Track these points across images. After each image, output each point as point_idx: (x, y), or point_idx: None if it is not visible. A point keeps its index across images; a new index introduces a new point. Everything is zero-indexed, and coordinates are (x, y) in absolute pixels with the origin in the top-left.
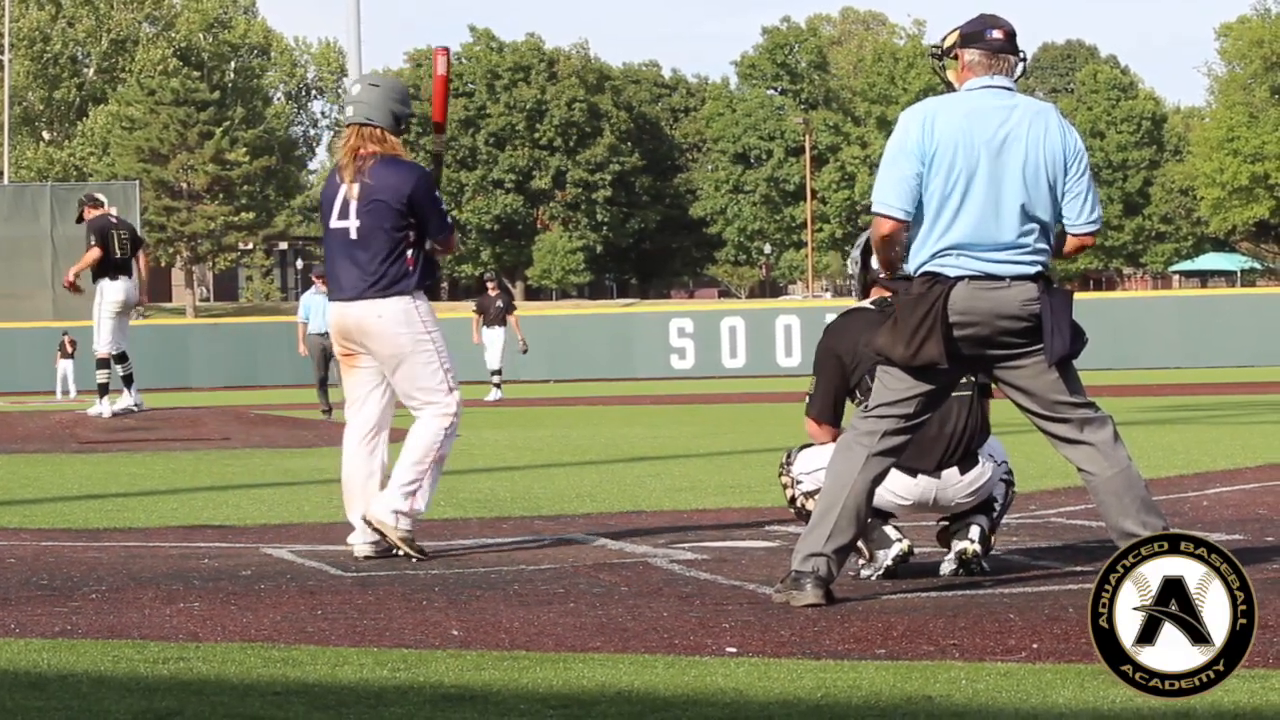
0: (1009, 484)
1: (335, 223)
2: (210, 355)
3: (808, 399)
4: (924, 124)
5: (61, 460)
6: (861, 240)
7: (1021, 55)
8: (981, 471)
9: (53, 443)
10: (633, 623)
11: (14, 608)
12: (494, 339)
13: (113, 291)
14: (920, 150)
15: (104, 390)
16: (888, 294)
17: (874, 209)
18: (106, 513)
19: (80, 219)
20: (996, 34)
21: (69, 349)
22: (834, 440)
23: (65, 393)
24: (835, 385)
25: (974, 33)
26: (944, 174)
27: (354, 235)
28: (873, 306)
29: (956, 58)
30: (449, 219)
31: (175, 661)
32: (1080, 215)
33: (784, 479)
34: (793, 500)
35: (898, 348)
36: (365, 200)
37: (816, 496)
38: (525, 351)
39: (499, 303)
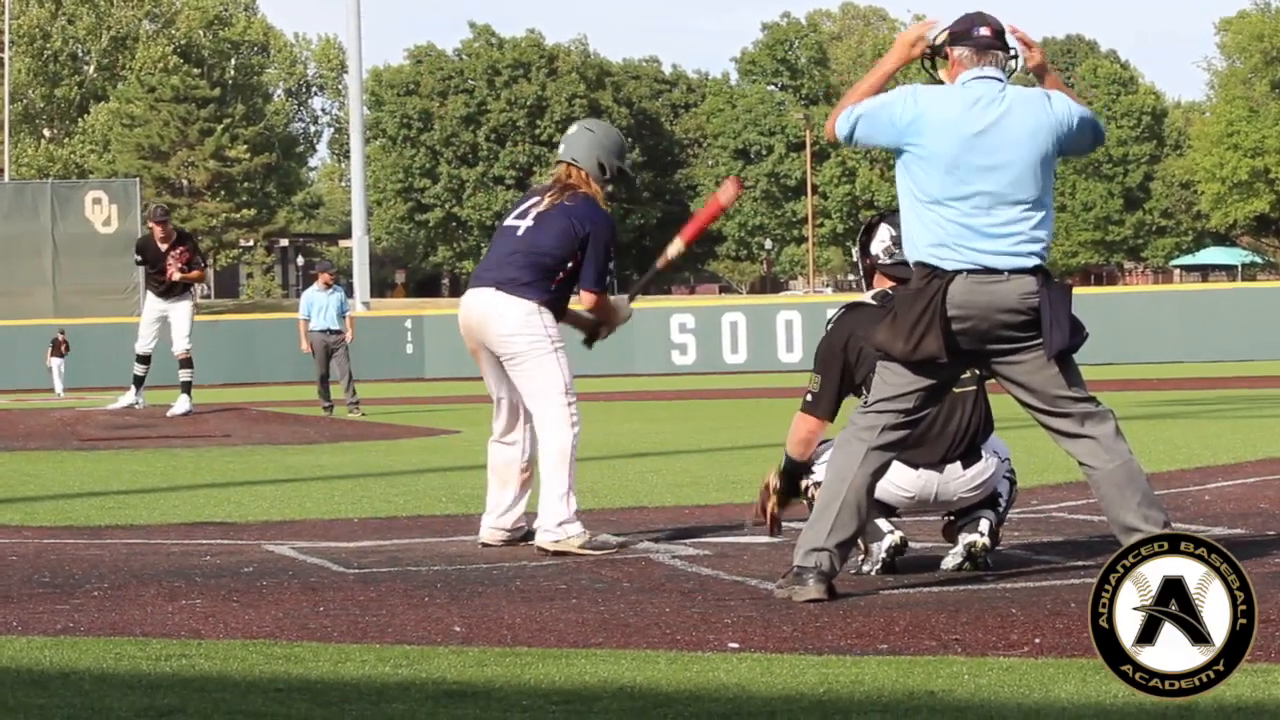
0: (1012, 482)
1: (510, 221)
2: (211, 352)
3: (810, 396)
4: (914, 100)
5: (63, 457)
6: (862, 229)
7: (1011, 52)
8: (985, 466)
9: (54, 440)
10: (635, 618)
11: (16, 605)
12: None
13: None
14: (894, 118)
15: (188, 387)
16: (890, 282)
17: (831, 122)
18: (108, 510)
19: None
20: (984, 31)
21: (61, 347)
22: (819, 432)
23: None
24: (840, 384)
25: (962, 30)
26: (937, 165)
27: (520, 233)
28: (873, 301)
29: (946, 55)
30: (605, 279)
31: (177, 659)
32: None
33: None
34: (805, 490)
35: (897, 343)
36: (552, 212)
37: None
38: None
39: None
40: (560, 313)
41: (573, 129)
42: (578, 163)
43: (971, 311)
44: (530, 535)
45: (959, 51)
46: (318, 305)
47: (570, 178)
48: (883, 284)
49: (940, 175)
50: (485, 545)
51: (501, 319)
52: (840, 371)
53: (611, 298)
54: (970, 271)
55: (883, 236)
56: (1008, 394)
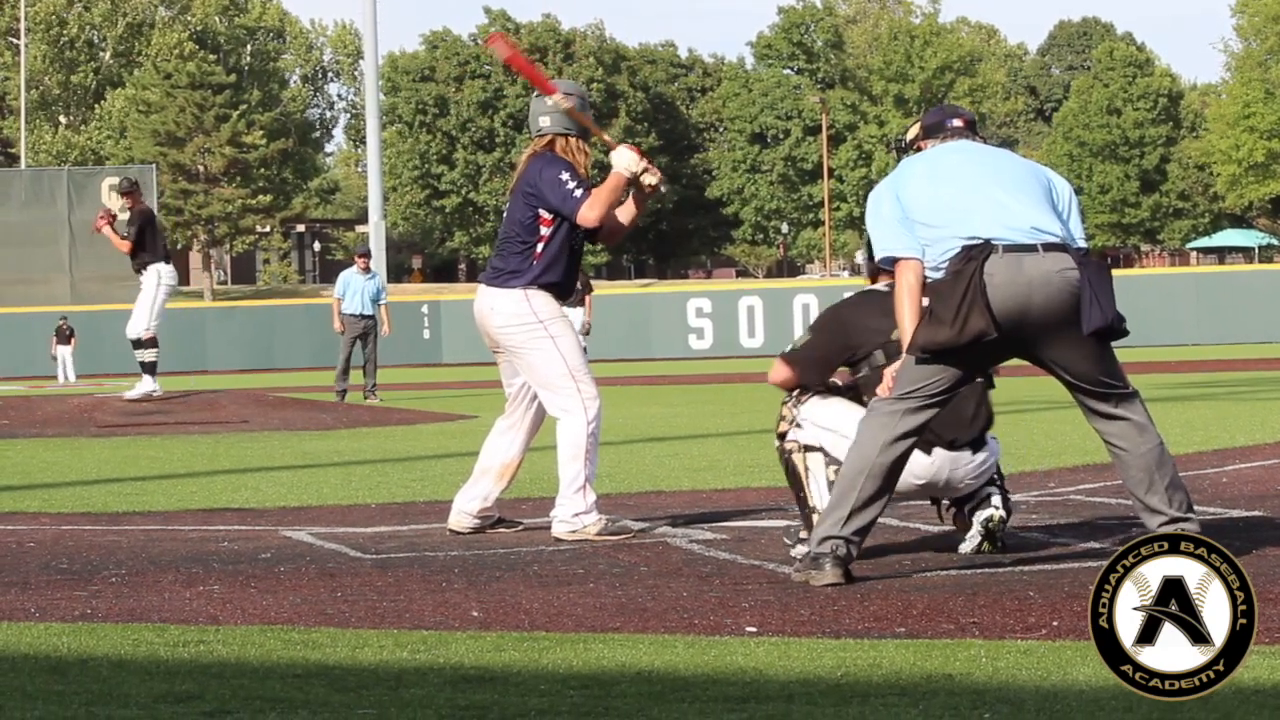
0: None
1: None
2: (228, 338)
3: (790, 347)
4: (897, 178)
5: (80, 444)
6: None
7: (981, 138)
8: (988, 455)
9: (72, 426)
10: (652, 603)
11: (34, 592)
12: (575, 319)
13: (170, 276)
14: (898, 198)
15: (153, 369)
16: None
17: (887, 256)
18: (126, 496)
19: (130, 202)
20: (956, 123)
21: (66, 334)
22: (789, 384)
23: (65, 379)
24: (828, 350)
25: (934, 124)
26: (946, 187)
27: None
28: (886, 289)
29: (920, 149)
30: (574, 194)
31: (195, 645)
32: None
33: (786, 410)
34: (782, 436)
35: (942, 331)
36: (511, 193)
37: (807, 451)
38: (586, 333)
39: (577, 284)
40: (567, 274)
41: (549, 102)
42: (571, 132)
43: (1012, 288)
44: (500, 522)
45: (931, 144)
46: (354, 287)
47: (554, 147)
48: (886, 280)
49: (949, 192)
50: (453, 532)
51: (494, 313)
52: (833, 340)
53: (616, 155)
54: (1006, 248)
55: None
56: (1050, 374)
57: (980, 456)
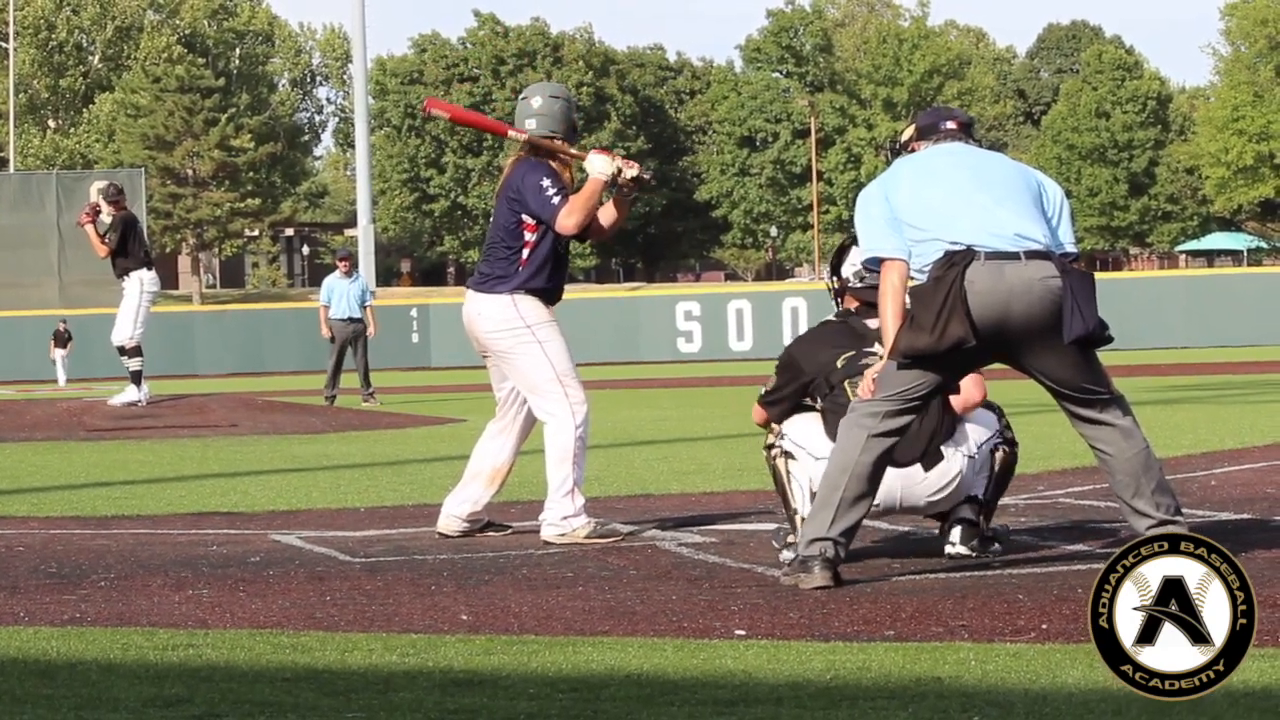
0: (993, 467)
1: None
2: (217, 342)
3: (764, 390)
4: (888, 179)
5: (69, 448)
6: (834, 251)
7: (976, 141)
8: (948, 468)
9: (61, 430)
10: (641, 606)
11: (23, 596)
12: None
13: (152, 282)
14: (888, 198)
15: (138, 378)
16: (858, 303)
17: (873, 256)
18: (115, 500)
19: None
20: (950, 124)
21: (65, 337)
22: (766, 424)
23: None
24: (792, 388)
25: (929, 125)
26: (934, 190)
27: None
28: (835, 319)
29: (914, 150)
30: (552, 200)
31: (184, 648)
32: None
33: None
34: (769, 446)
35: (921, 338)
36: (497, 198)
37: (789, 457)
38: None
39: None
40: (554, 278)
41: (538, 101)
42: (556, 134)
43: (992, 296)
44: (489, 526)
45: (924, 145)
46: (338, 292)
47: (540, 151)
48: (852, 305)
49: (935, 197)
50: (442, 536)
51: (481, 318)
52: (793, 378)
53: (589, 163)
54: (989, 255)
55: (853, 259)
56: (1033, 379)
57: (935, 474)
